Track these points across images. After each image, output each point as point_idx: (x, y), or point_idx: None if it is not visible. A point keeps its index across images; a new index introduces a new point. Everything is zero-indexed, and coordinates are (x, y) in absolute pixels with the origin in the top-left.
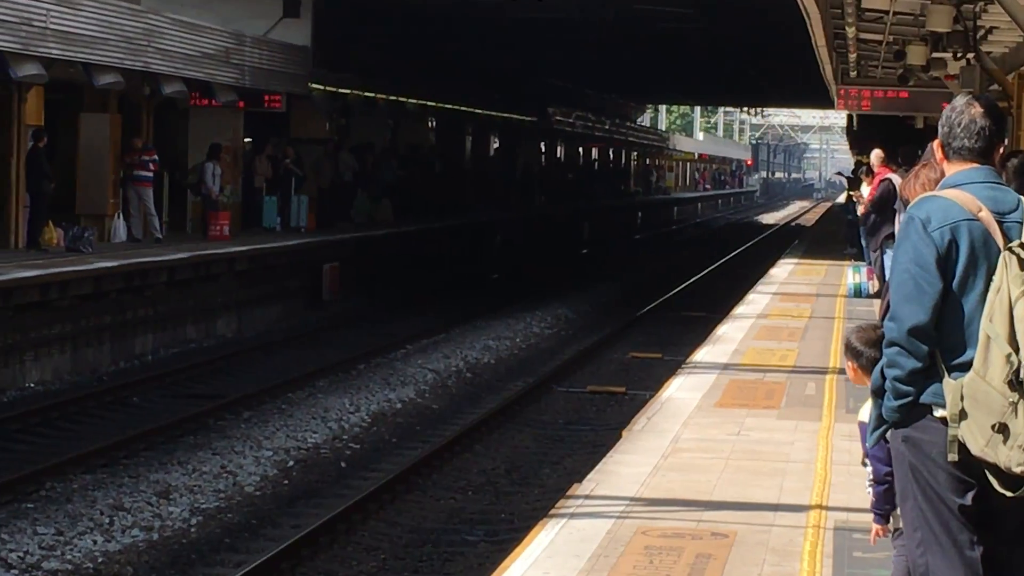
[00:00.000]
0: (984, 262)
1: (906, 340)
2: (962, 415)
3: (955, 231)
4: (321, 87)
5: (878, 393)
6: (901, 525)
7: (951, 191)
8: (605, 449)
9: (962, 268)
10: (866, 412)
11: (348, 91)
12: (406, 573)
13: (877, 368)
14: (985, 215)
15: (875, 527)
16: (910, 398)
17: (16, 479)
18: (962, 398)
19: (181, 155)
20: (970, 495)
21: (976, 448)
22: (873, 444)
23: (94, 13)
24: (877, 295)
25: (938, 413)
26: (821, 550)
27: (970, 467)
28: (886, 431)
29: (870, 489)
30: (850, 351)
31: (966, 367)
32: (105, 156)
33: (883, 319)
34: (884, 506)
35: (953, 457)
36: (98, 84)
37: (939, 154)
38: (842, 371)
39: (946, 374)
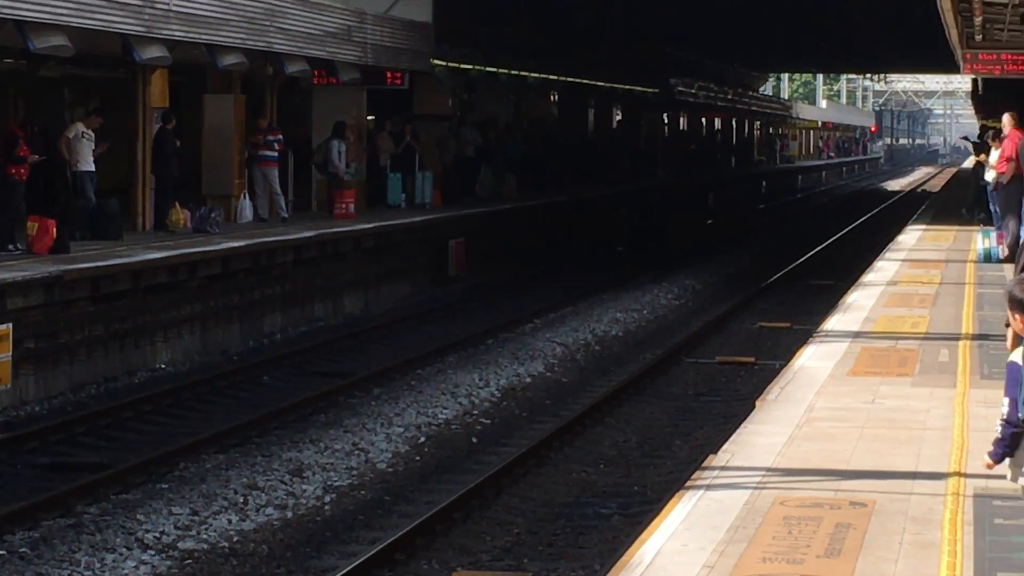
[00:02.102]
0: None
1: None
2: None
3: None
4: (443, 63)
5: None
6: None
7: None
8: (736, 420)
9: None
10: (1019, 354)
11: (470, 67)
12: (540, 547)
13: None
14: None
15: (989, 460)
16: None
17: (150, 460)
18: None
19: (305, 134)
20: None
21: None
22: None
23: None
24: (1008, 260)
25: None
26: (961, 518)
27: None
28: None
29: (999, 427)
30: (1016, 303)
31: None
32: (230, 137)
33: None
34: (1007, 448)
35: None
36: (221, 65)
37: None
38: (975, 337)
39: None
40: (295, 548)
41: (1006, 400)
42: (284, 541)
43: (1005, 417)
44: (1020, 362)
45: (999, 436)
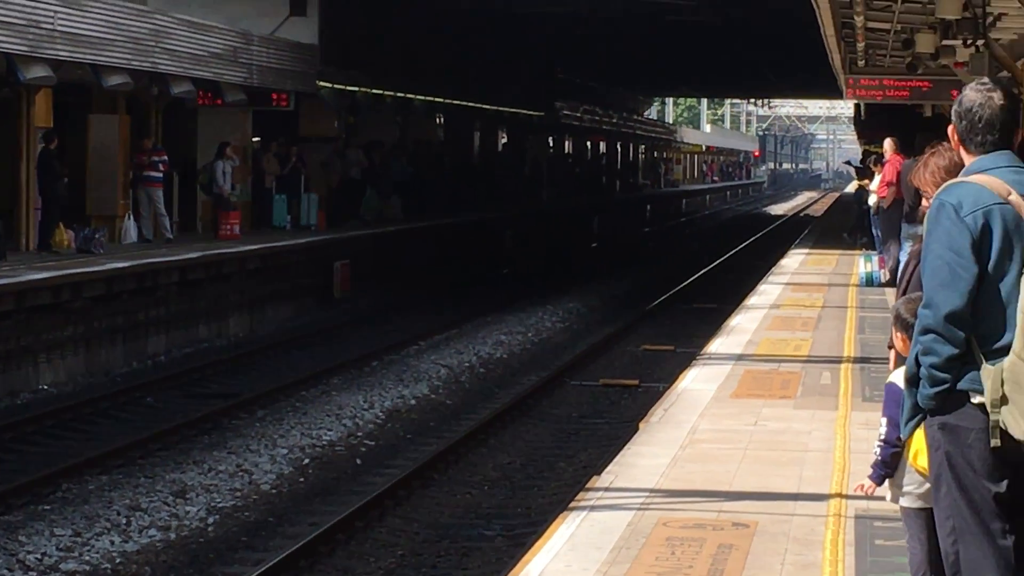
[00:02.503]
0: (1018, 245)
1: (943, 327)
2: (1003, 400)
3: (988, 215)
4: (329, 85)
5: (912, 382)
6: (905, 504)
7: (979, 176)
8: (620, 442)
9: (996, 252)
10: (899, 375)
11: (356, 89)
12: (424, 569)
13: (911, 356)
14: (1015, 199)
15: (869, 483)
16: (947, 385)
17: (32, 481)
18: (1002, 383)
19: (190, 155)
20: (1005, 483)
21: (1019, 432)
22: (908, 436)
23: (101, 14)
24: (889, 284)
25: (976, 400)
26: (843, 539)
27: (1006, 453)
28: (922, 420)
29: (878, 448)
30: (900, 322)
31: (1003, 352)
32: (115, 157)
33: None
34: (886, 469)
35: (996, 443)
36: (107, 85)
37: (954, 141)
38: (857, 360)
39: (983, 360)
40: (178, 570)
41: (884, 420)
42: (167, 563)
43: (883, 438)
44: (900, 383)
45: (878, 458)
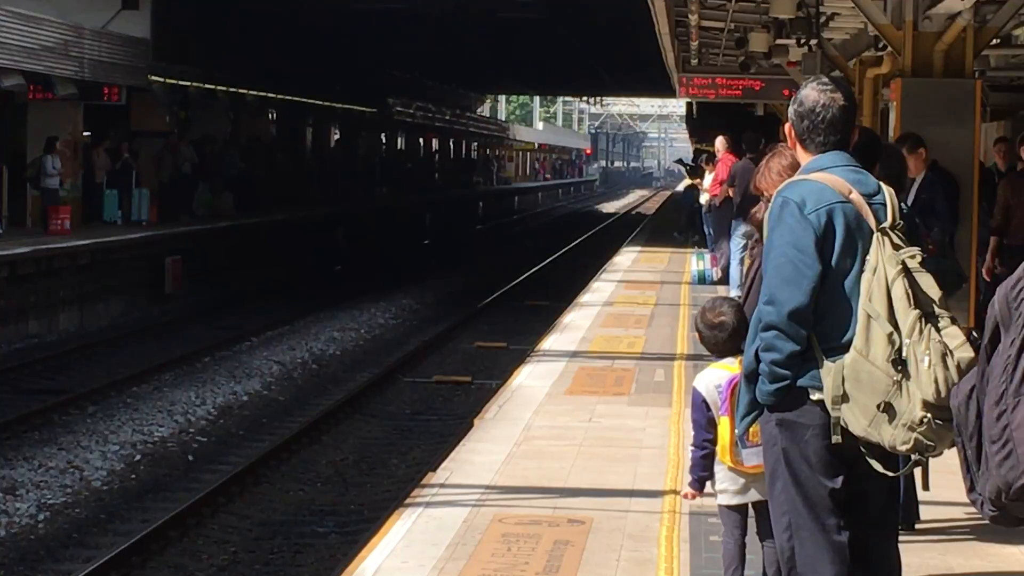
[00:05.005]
0: (859, 243)
1: (786, 324)
2: (844, 397)
3: (831, 213)
4: (161, 79)
5: (751, 378)
6: (723, 503)
7: (820, 175)
8: (453, 438)
9: (839, 250)
10: (701, 378)
11: (188, 83)
12: (257, 566)
13: (750, 352)
14: (856, 197)
15: (688, 490)
16: (787, 382)
17: None
18: (843, 380)
19: (21, 149)
20: (840, 479)
21: (859, 429)
22: (743, 431)
23: None
24: (721, 282)
25: (815, 396)
26: (678, 535)
27: (843, 450)
28: (758, 415)
29: (690, 453)
30: (696, 328)
31: (844, 349)
32: None
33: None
34: (700, 472)
35: (837, 439)
36: None
37: (791, 140)
38: (690, 357)
39: (824, 357)
40: (8, 567)
41: (692, 424)
42: None
43: (692, 442)
44: (701, 387)
45: (691, 463)
